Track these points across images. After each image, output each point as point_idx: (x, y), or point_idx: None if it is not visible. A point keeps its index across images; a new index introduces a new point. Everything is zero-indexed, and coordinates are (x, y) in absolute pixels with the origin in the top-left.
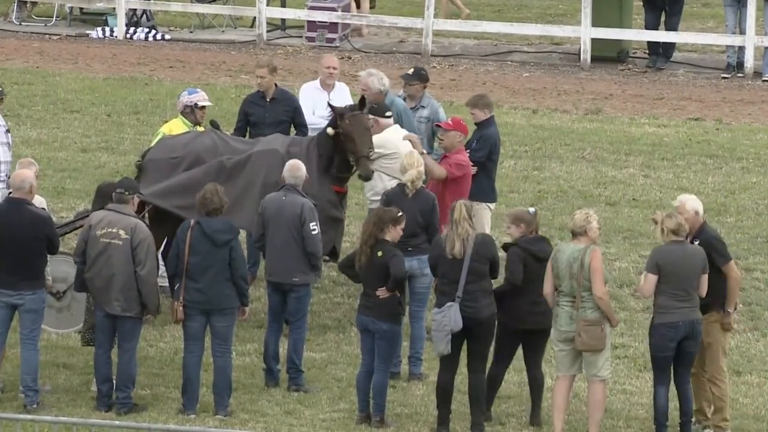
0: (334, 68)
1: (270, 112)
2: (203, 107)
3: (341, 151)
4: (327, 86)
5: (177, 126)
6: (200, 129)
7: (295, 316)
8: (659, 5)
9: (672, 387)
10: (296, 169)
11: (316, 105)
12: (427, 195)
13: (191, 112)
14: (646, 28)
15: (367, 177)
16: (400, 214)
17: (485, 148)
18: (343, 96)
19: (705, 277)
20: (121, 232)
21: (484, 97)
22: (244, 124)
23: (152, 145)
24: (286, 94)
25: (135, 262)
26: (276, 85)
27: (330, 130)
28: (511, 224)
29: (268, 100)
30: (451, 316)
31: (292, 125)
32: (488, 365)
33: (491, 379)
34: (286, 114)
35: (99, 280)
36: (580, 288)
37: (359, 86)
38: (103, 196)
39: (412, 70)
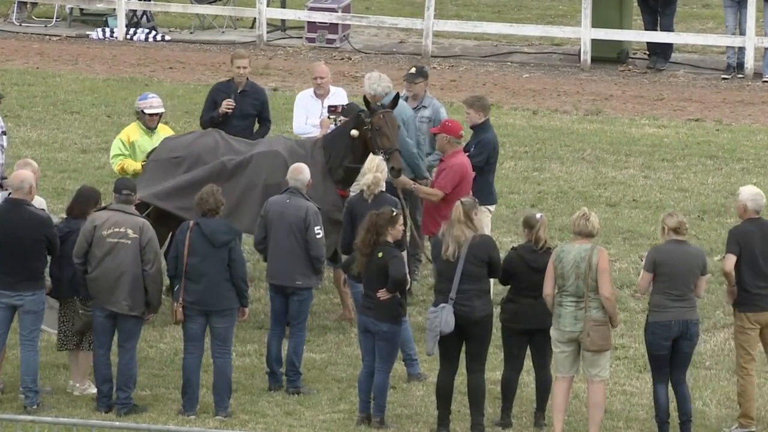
0: (321, 77)
1: (239, 104)
2: (152, 114)
3: (357, 155)
4: (319, 95)
5: (134, 130)
6: (159, 134)
7: (296, 319)
8: (653, 6)
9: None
10: (299, 171)
11: (309, 113)
12: (389, 200)
13: (141, 116)
14: (645, 29)
15: (399, 170)
16: (395, 213)
17: (484, 153)
18: (339, 101)
19: (703, 279)
20: (129, 231)
21: (482, 99)
22: (212, 110)
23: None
24: (256, 87)
25: (143, 261)
26: (247, 78)
27: (354, 132)
28: (522, 226)
29: (239, 91)
30: (443, 318)
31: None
32: (493, 368)
33: (504, 383)
34: (255, 107)
35: (105, 280)
36: (587, 288)
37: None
38: (85, 199)
39: (413, 69)
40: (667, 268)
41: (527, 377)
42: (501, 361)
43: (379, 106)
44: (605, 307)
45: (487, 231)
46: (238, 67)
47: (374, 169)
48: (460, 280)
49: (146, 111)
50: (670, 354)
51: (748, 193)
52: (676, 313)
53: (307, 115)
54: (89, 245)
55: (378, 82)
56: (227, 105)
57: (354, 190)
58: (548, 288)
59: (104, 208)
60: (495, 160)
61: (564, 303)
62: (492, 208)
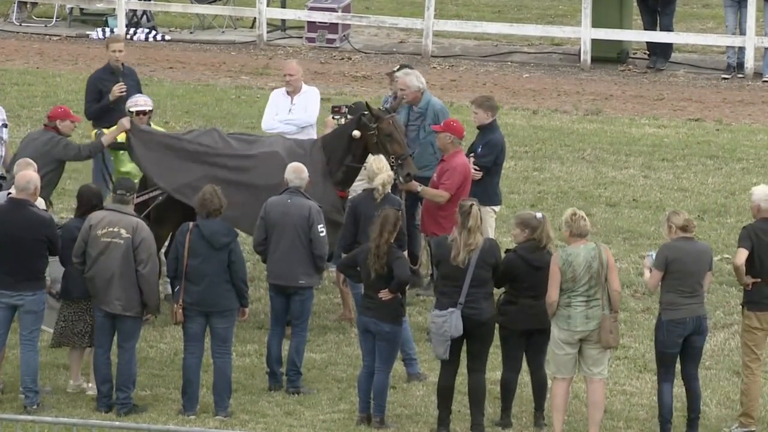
0: (291, 75)
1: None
2: (138, 113)
3: (356, 155)
4: (289, 92)
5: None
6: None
7: (298, 319)
8: (652, 6)
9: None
10: (301, 171)
11: (279, 109)
12: (394, 200)
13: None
14: (645, 29)
15: (414, 176)
16: (399, 209)
17: (492, 154)
18: (309, 101)
19: (710, 274)
20: (122, 231)
21: (491, 100)
22: (98, 100)
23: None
24: (130, 68)
25: (136, 261)
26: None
27: (356, 133)
28: (515, 227)
29: (121, 75)
30: (452, 323)
31: None
32: (493, 368)
33: (504, 384)
34: (136, 88)
35: (100, 279)
36: (601, 286)
37: (398, 86)
38: (86, 200)
39: (397, 66)
40: (680, 266)
41: (527, 377)
42: (501, 361)
43: (384, 111)
44: (614, 300)
45: (491, 232)
46: (114, 51)
47: (384, 169)
48: (469, 285)
49: (132, 109)
50: (680, 351)
51: (762, 193)
52: (690, 310)
53: (277, 111)
54: (86, 245)
55: (419, 75)
56: (120, 89)
57: (355, 189)
58: (555, 294)
59: (102, 208)
60: (502, 161)
61: (573, 304)
62: (497, 209)
